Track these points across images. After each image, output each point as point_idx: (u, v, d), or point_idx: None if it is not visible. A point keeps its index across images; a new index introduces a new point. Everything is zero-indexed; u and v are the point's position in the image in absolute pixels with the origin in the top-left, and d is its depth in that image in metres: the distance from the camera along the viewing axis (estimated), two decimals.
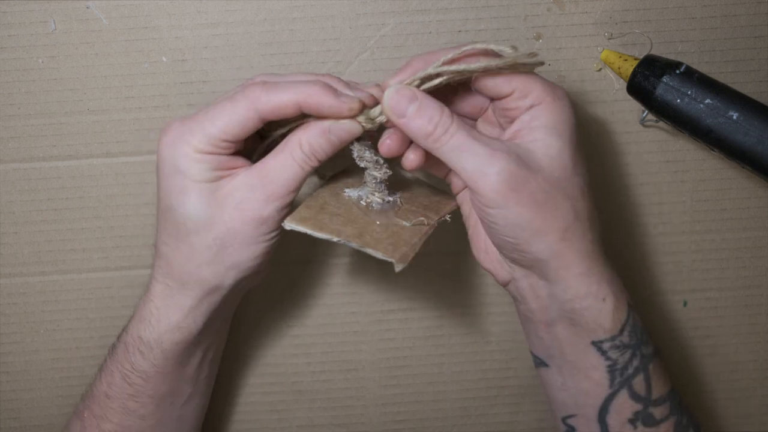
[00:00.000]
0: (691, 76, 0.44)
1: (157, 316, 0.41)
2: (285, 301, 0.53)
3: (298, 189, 0.39)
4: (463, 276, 0.52)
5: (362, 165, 0.41)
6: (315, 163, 0.39)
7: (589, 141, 0.50)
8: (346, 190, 0.42)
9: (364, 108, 0.38)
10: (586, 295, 0.38)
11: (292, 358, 0.53)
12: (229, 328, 0.48)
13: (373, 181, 0.41)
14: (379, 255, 0.38)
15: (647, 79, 0.44)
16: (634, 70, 0.45)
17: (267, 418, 0.54)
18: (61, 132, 0.49)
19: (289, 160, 0.38)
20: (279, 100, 0.37)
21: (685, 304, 0.53)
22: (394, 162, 0.41)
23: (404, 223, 0.41)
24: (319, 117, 0.38)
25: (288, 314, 0.53)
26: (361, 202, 0.41)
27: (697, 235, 0.52)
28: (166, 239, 0.40)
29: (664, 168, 0.51)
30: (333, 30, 0.48)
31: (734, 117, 0.42)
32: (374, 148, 0.41)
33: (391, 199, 0.42)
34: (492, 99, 0.40)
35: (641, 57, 0.46)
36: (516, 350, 0.54)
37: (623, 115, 0.49)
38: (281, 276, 0.52)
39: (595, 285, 0.38)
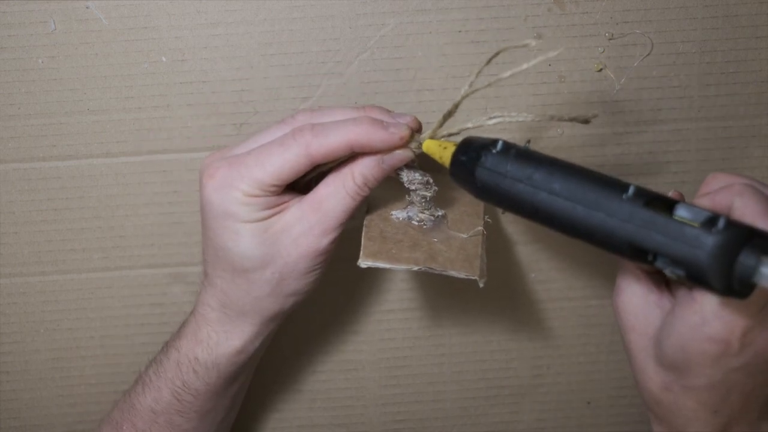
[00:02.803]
0: (508, 153, 0.35)
1: (216, 339, 0.41)
2: None
3: (350, 219, 0.39)
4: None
5: (412, 188, 0.41)
6: (367, 193, 0.39)
7: (589, 141, 0.50)
8: (393, 212, 0.42)
9: (413, 134, 0.38)
10: None
11: (292, 358, 0.53)
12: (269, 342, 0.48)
13: (423, 200, 0.41)
14: (462, 275, 0.38)
15: (466, 166, 0.37)
16: (453, 157, 0.38)
17: (267, 418, 0.55)
18: (61, 132, 0.49)
19: (341, 191, 0.38)
20: (330, 144, 0.36)
21: None
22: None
23: (462, 235, 0.41)
24: (372, 153, 0.38)
25: (288, 315, 0.53)
26: (413, 222, 0.42)
27: None
28: (221, 273, 0.40)
29: (664, 168, 0.51)
30: (333, 30, 0.47)
31: (557, 189, 0.34)
32: (421, 168, 0.41)
33: (440, 213, 0.42)
34: None
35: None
36: (516, 350, 0.54)
37: (623, 115, 0.49)
38: None
39: None
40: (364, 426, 0.55)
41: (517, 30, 0.48)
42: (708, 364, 0.32)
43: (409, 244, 0.40)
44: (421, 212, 0.42)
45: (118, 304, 0.52)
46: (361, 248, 0.39)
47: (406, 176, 0.40)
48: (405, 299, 0.53)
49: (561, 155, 0.49)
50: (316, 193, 0.39)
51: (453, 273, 0.38)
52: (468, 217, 0.43)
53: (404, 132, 0.37)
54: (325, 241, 0.38)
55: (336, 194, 0.38)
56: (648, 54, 0.48)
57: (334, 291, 0.52)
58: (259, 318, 0.41)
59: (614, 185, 0.32)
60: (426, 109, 0.48)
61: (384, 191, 0.43)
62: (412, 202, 0.42)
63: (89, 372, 0.53)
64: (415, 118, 0.39)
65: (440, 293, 0.53)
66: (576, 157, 0.50)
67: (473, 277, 0.38)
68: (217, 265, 0.40)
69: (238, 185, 0.37)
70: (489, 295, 0.53)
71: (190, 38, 0.47)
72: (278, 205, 0.38)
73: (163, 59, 0.48)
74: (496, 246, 0.51)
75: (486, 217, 0.43)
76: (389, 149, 0.38)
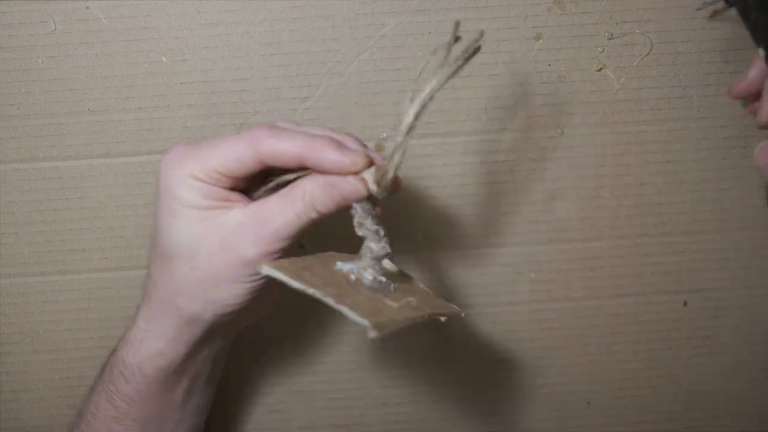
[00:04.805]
0: None
1: (140, 339, 0.40)
2: (284, 301, 0.53)
3: (290, 239, 0.37)
4: (462, 274, 0.52)
5: (360, 233, 0.37)
6: (314, 215, 0.37)
7: (589, 141, 0.50)
8: (338, 263, 0.38)
9: (371, 165, 0.36)
10: None
11: (291, 359, 0.53)
12: (226, 358, 0.47)
13: (369, 254, 0.37)
14: (354, 316, 0.33)
15: None
16: None
17: (267, 419, 0.54)
18: (61, 132, 0.49)
19: (288, 205, 0.36)
20: (280, 147, 0.36)
21: (685, 304, 0.53)
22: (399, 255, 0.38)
23: (393, 304, 0.36)
24: (322, 172, 0.36)
25: (288, 314, 0.53)
26: (351, 275, 0.37)
27: (697, 235, 0.52)
28: (155, 260, 0.39)
29: (664, 168, 0.51)
30: (333, 30, 0.47)
31: None
32: (377, 218, 0.37)
33: (384, 280, 0.38)
34: None
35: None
36: (516, 350, 0.54)
37: (623, 115, 0.49)
38: None
39: None
40: (364, 426, 0.55)
41: (517, 30, 0.48)
42: None
43: (327, 281, 0.35)
44: (365, 269, 0.37)
45: (118, 304, 0.52)
46: (273, 261, 0.36)
47: (357, 217, 0.37)
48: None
49: (560, 154, 0.50)
50: (261, 204, 0.37)
51: (344, 310, 0.33)
52: (421, 304, 0.38)
53: (359, 158, 0.36)
54: (254, 250, 0.36)
55: (281, 205, 0.37)
56: (647, 53, 0.48)
57: None
58: (177, 318, 0.39)
59: None
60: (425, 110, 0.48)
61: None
62: (360, 256, 0.38)
63: (89, 372, 0.53)
64: (383, 159, 0.37)
65: (440, 293, 0.53)
66: (575, 156, 0.50)
67: (364, 322, 0.32)
68: (154, 250, 0.39)
69: (186, 164, 0.37)
70: (489, 295, 0.53)
71: (190, 38, 0.47)
72: (222, 200, 0.37)
73: (164, 59, 0.48)
74: (495, 245, 0.51)
75: (443, 318, 0.38)
76: (339, 172, 0.36)
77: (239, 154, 0.36)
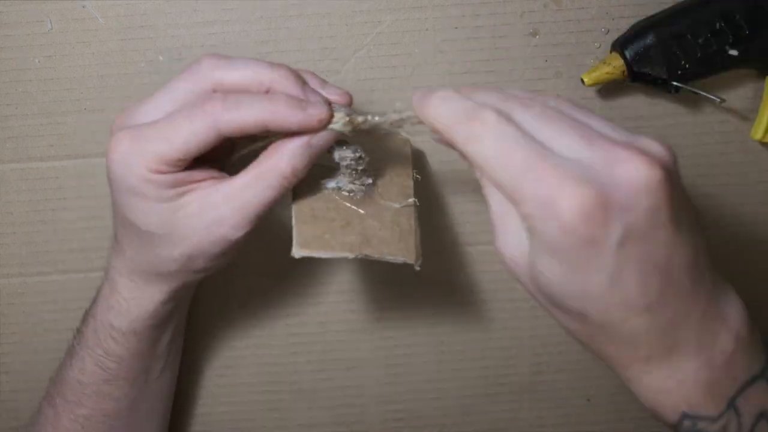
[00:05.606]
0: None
1: (127, 306, 0.40)
2: (284, 300, 0.53)
3: (269, 210, 0.36)
4: (462, 272, 0.52)
5: (344, 164, 0.39)
6: (293, 182, 0.36)
7: None
8: (322, 180, 0.39)
9: (332, 115, 0.36)
10: (657, 392, 0.31)
11: (291, 357, 0.53)
12: (192, 296, 0.48)
13: (353, 172, 0.39)
14: (399, 259, 0.37)
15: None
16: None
17: (267, 417, 0.55)
18: (58, 132, 0.49)
19: (261, 183, 0.35)
20: (242, 120, 0.34)
21: None
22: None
23: (394, 204, 0.40)
24: (289, 134, 0.35)
25: (287, 313, 0.53)
26: (343, 192, 0.40)
27: None
28: (128, 243, 0.38)
29: None
30: (329, 28, 0.47)
31: None
32: (353, 145, 0.38)
33: (369, 181, 0.40)
34: None
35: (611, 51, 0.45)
36: (516, 347, 0.54)
37: (621, 110, 0.49)
38: (280, 275, 0.52)
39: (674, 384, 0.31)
40: (364, 424, 0.55)
41: (513, 26, 0.48)
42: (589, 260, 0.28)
43: (342, 224, 0.38)
44: (351, 183, 0.39)
45: None
46: (294, 236, 0.37)
47: (337, 154, 0.38)
48: (404, 297, 0.53)
49: None
50: (233, 183, 0.36)
51: (389, 259, 0.37)
52: (397, 178, 0.41)
53: (323, 114, 0.35)
54: (238, 233, 0.36)
55: (255, 185, 0.35)
56: None
57: (332, 289, 0.52)
58: (167, 288, 0.40)
59: None
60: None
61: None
62: (341, 174, 0.39)
63: None
64: (344, 92, 0.37)
65: (440, 292, 0.53)
66: None
67: (410, 262, 0.37)
68: (126, 235, 0.38)
69: (141, 162, 0.34)
70: (489, 292, 0.52)
71: (186, 37, 0.47)
72: (189, 183, 0.36)
73: (160, 58, 0.48)
74: None
75: (415, 172, 0.41)
76: (307, 131, 0.35)
77: (198, 135, 0.34)
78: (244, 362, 0.53)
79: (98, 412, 0.43)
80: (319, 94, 0.36)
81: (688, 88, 0.45)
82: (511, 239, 0.31)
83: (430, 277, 0.52)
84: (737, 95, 0.49)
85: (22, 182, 0.49)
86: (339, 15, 0.47)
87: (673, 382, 0.31)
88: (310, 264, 0.52)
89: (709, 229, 0.51)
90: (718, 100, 0.46)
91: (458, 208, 0.51)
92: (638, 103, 0.49)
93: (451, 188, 0.51)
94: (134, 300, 0.40)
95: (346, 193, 0.40)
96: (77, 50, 0.47)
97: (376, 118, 0.37)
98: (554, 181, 0.27)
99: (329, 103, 0.36)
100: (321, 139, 0.36)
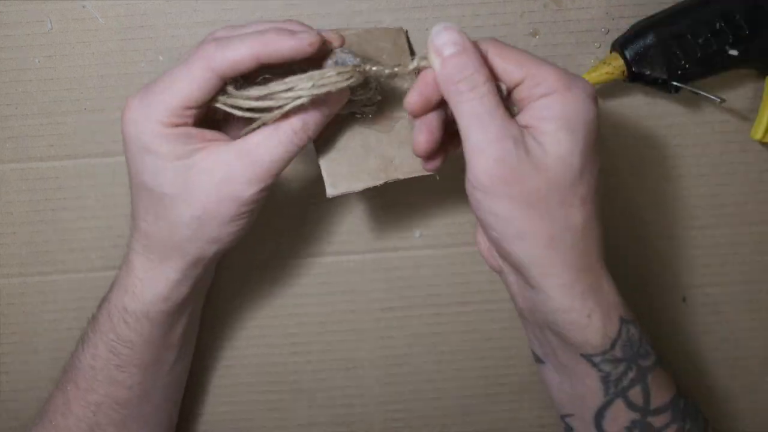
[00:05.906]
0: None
1: (141, 288, 0.40)
2: (284, 300, 0.53)
3: (281, 170, 0.37)
4: (461, 272, 0.52)
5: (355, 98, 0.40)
6: (305, 141, 0.37)
7: None
8: (329, 66, 0.38)
9: (323, 42, 0.36)
10: (569, 310, 0.35)
11: (291, 357, 0.53)
12: (208, 287, 0.48)
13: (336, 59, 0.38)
14: (423, 173, 0.41)
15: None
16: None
17: (267, 417, 0.54)
18: (58, 132, 0.49)
19: (274, 139, 0.36)
20: (235, 55, 0.35)
21: (684, 300, 0.53)
22: None
23: (405, 115, 0.41)
24: (282, 63, 0.36)
25: (287, 313, 0.53)
26: (357, 116, 0.41)
27: (696, 230, 0.52)
28: (143, 215, 0.39)
29: (662, 163, 0.50)
30: (329, 28, 0.47)
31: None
32: (351, 53, 0.38)
33: (379, 98, 0.41)
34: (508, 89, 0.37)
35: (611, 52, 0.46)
36: (515, 347, 0.54)
37: (622, 110, 0.49)
38: (280, 274, 0.52)
39: (578, 300, 0.35)
40: (364, 424, 0.55)
41: (513, 26, 0.48)
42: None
43: (362, 152, 0.40)
44: (364, 106, 0.41)
45: None
46: (324, 179, 0.39)
47: (338, 58, 0.38)
48: (404, 297, 0.53)
49: None
50: (246, 140, 0.37)
51: (413, 175, 0.40)
52: (400, 81, 0.42)
53: (313, 38, 0.35)
54: (251, 190, 0.37)
55: (267, 142, 0.36)
56: None
57: (332, 289, 0.52)
58: (182, 262, 0.39)
59: None
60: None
61: None
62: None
63: None
64: (338, 34, 0.38)
65: (439, 291, 0.53)
66: None
67: (426, 173, 0.40)
68: (140, 205, 0.39)
69: (150, 116, 0.36)
70: (488, 292, 0.52)
71: (186, 37, 0.47)
72: (201, 141, 0.37)
73: (160, 58, 0.48)
74: None
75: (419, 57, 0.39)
76: (298, 55, 0.35)
77: (199, 79, 0.35)
78: (244, 362, 0.53)
79: (110, 400, 0.43)
80: (309, 28, 0.37)
81: (688, 88, 0.45)
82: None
83: (430, 277, 0.52)
84: (737, 95, 0.49)
85: (22, 182, 0.49)
86: (339, 15, 0.47)
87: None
88: (310, 264, 0.52)
89: (709, 228, 0.52)
90: (718, 100, 0.46)
91: (457, 207, 0.51)
92: (638, 103, 0.49)
93: (450, 186, 0.51)
94: (148, 279, 0.40)
95: (359, 116, 0.40)
96: (77, 50, 0.47)
97: (374, 68, 0.37)
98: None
99: (320, 36, 0.36)
100: (330, 98, 0.37)
